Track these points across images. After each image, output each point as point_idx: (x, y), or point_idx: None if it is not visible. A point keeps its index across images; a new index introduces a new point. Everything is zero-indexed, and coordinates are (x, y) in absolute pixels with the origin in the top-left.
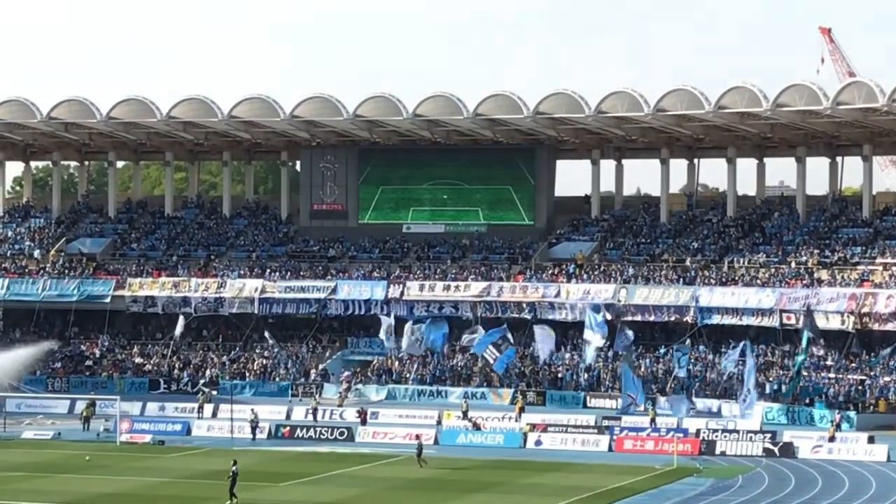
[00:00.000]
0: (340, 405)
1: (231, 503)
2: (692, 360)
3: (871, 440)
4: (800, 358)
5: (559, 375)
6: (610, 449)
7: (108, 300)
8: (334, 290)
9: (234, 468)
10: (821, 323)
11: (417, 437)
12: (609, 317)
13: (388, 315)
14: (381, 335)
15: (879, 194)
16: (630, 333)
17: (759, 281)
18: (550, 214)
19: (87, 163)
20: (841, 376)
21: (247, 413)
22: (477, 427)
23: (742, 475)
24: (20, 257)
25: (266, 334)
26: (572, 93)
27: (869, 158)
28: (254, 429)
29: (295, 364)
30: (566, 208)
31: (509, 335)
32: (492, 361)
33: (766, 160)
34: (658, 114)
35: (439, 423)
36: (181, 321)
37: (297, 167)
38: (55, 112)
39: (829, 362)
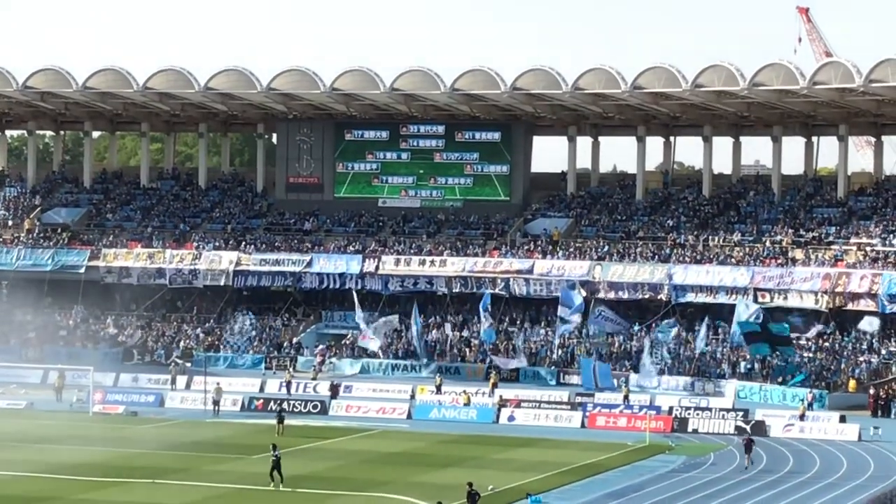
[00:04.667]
0: (314, 378)
1: (273, 484)
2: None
3: (842, 419)
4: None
5: (533, 351)
6: (583, 425)
7: (82, 270)
8: (309, 264)
9: (275, 454)
10: (794, 302)
11: (280, 402)
12: (584, 294)
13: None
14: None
15: (854, 174)
16: (605, 318)
17: (733, 259)
18: (526, 190)
19: (62, 132)
20: (813, 355)
21: (217, 386)
22: (468, 401)
23: (714, 452)
24: None
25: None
26: (550, 69)
27: (844, 139)
28: (216, 402)
29: (269, 336)
30: (542, 185)
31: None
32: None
33: (742, 139)
34: (635, 91)
35: (413, 397)
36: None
37: (274, 140)
38: (31, 81)
39: (801, 341)
